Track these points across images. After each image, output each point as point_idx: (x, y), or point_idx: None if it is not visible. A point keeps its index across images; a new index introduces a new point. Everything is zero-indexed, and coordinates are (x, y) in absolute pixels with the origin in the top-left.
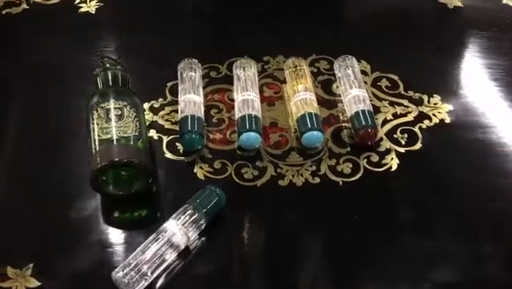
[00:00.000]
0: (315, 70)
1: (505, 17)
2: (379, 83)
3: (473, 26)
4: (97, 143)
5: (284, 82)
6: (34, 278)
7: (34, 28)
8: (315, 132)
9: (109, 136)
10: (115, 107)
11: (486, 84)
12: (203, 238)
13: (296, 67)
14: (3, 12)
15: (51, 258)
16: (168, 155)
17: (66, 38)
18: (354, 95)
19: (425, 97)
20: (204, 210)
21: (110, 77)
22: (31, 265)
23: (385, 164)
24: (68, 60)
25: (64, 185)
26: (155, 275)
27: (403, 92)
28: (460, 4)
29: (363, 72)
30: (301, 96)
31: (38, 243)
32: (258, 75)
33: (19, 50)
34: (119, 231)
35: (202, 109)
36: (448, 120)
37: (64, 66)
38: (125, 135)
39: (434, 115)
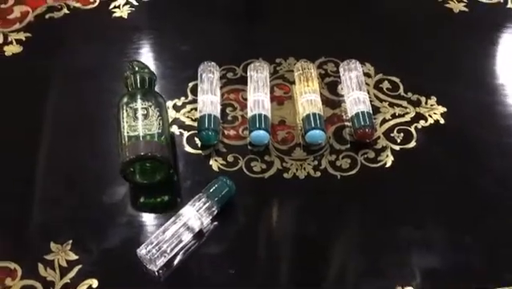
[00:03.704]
0: (323, 72)
1: (509, 21)
2: (380, 85)
3: (477, 30)
4: (126, 139)
5: (293, 83)
6: (73, 253)
7: (74, 31)
8: (318, 131)
9: (136, 133)
10: (141, 107)
11: (485, 87)
12: (215, 223)
13: (304, 69)
14: (46, 16)
15: (87, 236)
16: (188, 149)
17: (100, 40)
18: (355, 97)
19: (423, 99)
20: (216, 199)
21: (138, 79)
22: (70, 241)
23: (380, 161)
24: (101, 61)
25: (97, 174)
26: (173, 253)
27: (402, 94)
28: (465, 9)
29: (367, 74)
30: (307, 97)
31: (76, 223)
32: (270, 76)
33: (59, 51)
34: (144, 214)
35: (219, 108)
36: (442, 121)
37: (98, 66)
38: (150, 132)
39: (430, 116)
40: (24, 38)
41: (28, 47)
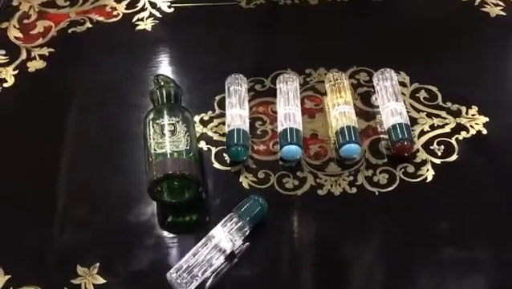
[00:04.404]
0: (355, 82)
1: None
2: (417, 95)
3: None
4: (153, 156)
5: (325, 94)
6: (100, 276)
7: (97, 45)
8: (353, 145)
9: (164, 150)
10: (168, 123)
11: None
12: (247, 244)
13: (336, 80)
14: (69, 31)
15: (114, 258)
16: (216, 165)
17: (124, 53)
18: (391, 108)
19: (463, 108)
20: (247, 218)
21: (164, 94)
22: (98, 264)
23: (421, 175)
24: (125, 74)
25: (123, 194)
26: (204, 277)
27: (441, 104)
28: (503, 13)
29: (402, 84)
30: (340, 109)
31: (103, 246)
32: (300, 88)
33: (83, 66)
34: (172, 235)
35: (247, 122)
36: (485, 132)
37: (121, 79)
38: (177, 149)
39: (471, 126)
40: (47, 54)
41: (51, 62)
